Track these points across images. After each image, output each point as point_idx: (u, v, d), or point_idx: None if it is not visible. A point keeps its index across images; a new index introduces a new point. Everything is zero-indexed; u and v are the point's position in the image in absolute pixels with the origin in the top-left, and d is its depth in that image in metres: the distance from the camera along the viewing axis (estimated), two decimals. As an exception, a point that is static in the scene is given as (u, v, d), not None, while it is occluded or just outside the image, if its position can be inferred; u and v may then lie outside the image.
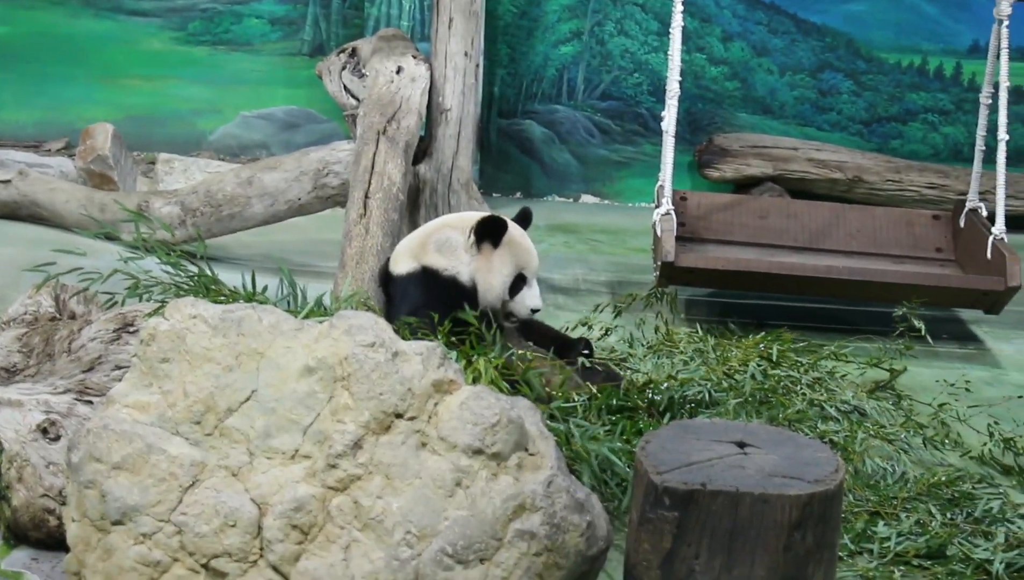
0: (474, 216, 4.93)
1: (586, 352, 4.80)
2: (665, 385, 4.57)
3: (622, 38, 8.66)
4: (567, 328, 5.30)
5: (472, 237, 4.80)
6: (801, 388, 4.90)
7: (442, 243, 4.85)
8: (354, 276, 5.18)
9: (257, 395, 3.25)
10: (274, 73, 8.62)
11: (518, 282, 4.83)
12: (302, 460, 3.21)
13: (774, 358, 5.02)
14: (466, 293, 4.78)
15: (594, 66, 8.67)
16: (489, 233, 4.81)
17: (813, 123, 8.74)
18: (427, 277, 4.81)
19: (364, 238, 5.43)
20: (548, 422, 3.76)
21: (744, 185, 8.44)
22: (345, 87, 6.78)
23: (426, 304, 4.68)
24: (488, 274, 4.80)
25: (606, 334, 5.39)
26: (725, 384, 4.73)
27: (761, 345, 5.12)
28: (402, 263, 4.90)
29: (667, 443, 3.13)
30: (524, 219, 5.06)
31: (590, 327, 5.38)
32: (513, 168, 8.70)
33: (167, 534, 3.16)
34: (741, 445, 3.14)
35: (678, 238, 6.24)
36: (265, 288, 4.58)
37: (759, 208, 7.06)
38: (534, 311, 4.87)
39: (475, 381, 4.05)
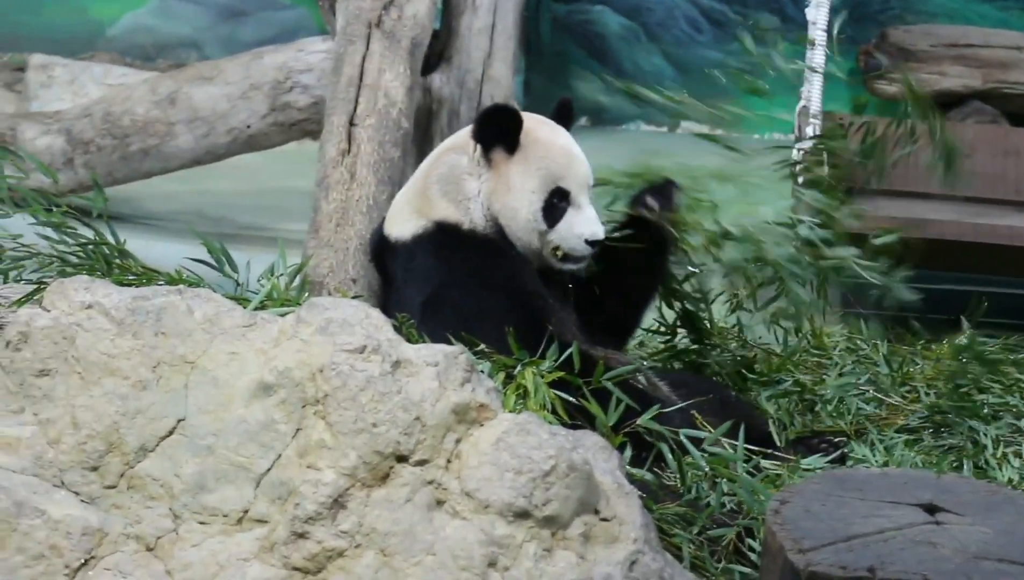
0: None
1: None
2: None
3: None
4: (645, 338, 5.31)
5: (475, 145, 4.73)
6: (1024, 421, 4.90)
7: (447, 178, 4.79)
8: (333, 245, 5.20)
9: (186, 426, 3.28)
10: (208, -69, 8.71)
11: (557, 202, 4.73)
12: (254, 526, 3.23)
13: (979, 375, 5.01)
14: (504, 250, 4.72)
15: (703, -80, 8.70)
16: (498, 132, 4.72)
17: (1047, 9, 8.71)
18: (442, 240, 4.75)
19: (348, 186, 5.45)
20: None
21: (936, 105, 8.40)
22: (318, -47, 6.81)
23: (449, 288, 4.65)
24: (507, 196, 4.73)
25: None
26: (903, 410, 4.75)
27: (961, 354, 5.10)
28: (401, 222, 4.86)
29: (815, 504, 3.14)
30: (563, 115, 4.97)
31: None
32: (576, 79, 8.70)
33: (47, 638, 3.20)
34: (931, 509, 3.15)
35: (832, 188, 6.22)
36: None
37: (960, 142, 7.03)
38: (591, 243, 4.74)
39: (518, 405, 4.06)
